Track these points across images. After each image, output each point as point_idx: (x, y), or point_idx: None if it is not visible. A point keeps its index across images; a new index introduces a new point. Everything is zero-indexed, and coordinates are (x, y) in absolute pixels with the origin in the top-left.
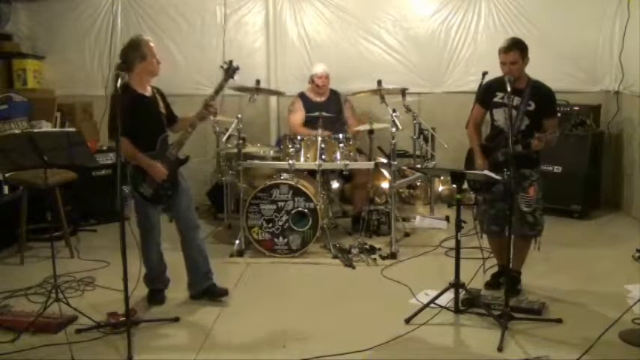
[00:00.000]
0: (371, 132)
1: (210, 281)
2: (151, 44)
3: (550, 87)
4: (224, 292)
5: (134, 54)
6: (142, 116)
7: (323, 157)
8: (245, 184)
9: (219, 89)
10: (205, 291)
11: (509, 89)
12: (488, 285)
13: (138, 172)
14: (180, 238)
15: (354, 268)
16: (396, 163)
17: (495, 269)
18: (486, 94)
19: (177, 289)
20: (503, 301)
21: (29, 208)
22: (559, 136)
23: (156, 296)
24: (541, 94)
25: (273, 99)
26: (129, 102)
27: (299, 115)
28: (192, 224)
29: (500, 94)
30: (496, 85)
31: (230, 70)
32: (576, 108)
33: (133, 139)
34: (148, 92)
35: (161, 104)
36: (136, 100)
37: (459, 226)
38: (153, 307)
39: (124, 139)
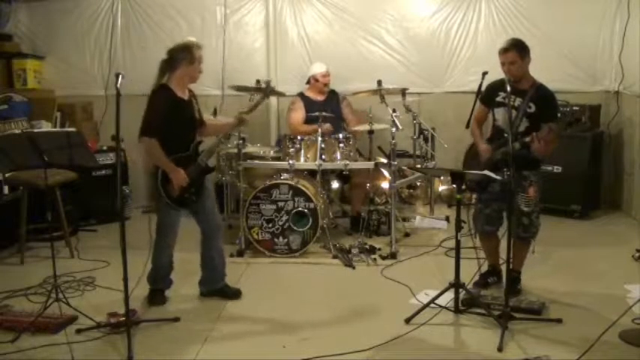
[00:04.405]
0: (371, 132)
1: (223, 282)
2: (201, 52)
3: (553, 91)
4: (237, 293)
5: (183, 55)
6: (178, 120)
7: (323, 157)
8: (245, 184)
9: (254, 107)
10: (218, 291)
11: (508, 89)
12: (477, 284)
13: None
14: (202, 238)
15: (354, 268)
16: (396, 163)
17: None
18: (489, 93)
19: (178, 290)
20: (503, 301)
21: (29, 208)
22: (557, 135)
23: (157, 297)
24: (543, 97)
25: (273, 99)
26: (168, 103)
27: (300, 114)
28: (215, 226)
29: (502, 94)
30: (499, 84)
31: (267, 90)
32: (576, 108)
33: (165, 141)
34: (186, 96)
35: (196, 108)
36: (175, 103)
37: (458, 226)
38: (153, 307)
39: (153, 141)
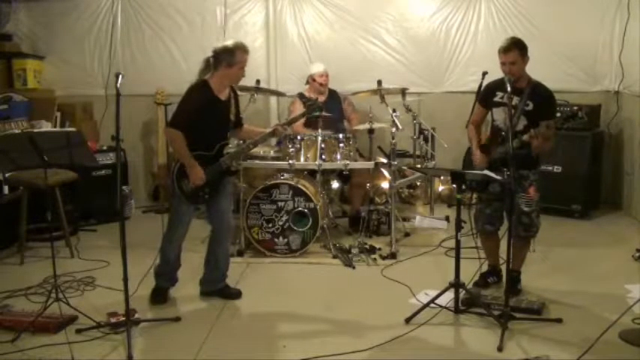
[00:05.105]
0: (371, 132)
1: (224, 282)
2: (247, 57)
3: (550, 89)
4: (238, 294)
5: (224, 56)
6: (210, 119)
7: (323, 157)
8: (245, 184)
9: (293, 121)
10: (219, 291)
11: (509, 89)
12: (477, 284)
13: (184, 167)
14: (211, 236)
15: (354, 268)
16: (396, 163)
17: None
18: (487, 94)
19: (179, 289)
20: (503, 301)
21: (29, 208)
22: (555, 133)
23: (159, 296)
24: (540, 95)
25: (273, 99)
26: (203, 101)
27: None
28: (227, 226)
29: (500, 94)
30: (496, 85)
31: (310, 108)
32: (576, 108)
33: (191, 136)
34: (224, 95)
35: (232, 110)
36: (210, 102)
37: (458, 226)
38: (155, 306)
39: (179, 133)
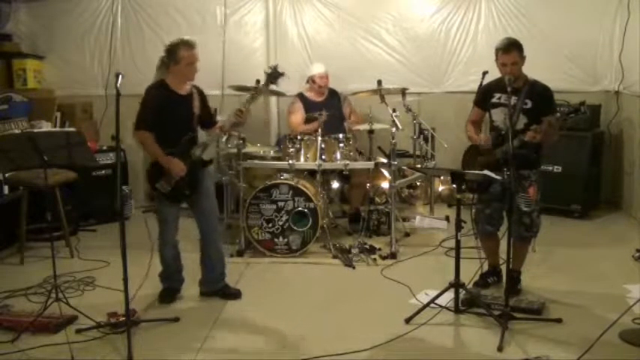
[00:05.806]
0: (371, 132)
1: (223, 282)
2: (192, 52)
3: (547, 85)
4: (237, 294)
5: (169, 54)
6: (171, 114)
7: (323, 157)
8: (245, 184)
9: (256, 95)
10: (218, 291)
11: (509, 89)
12: (477, 284)
13: (156, 168)
14: (200, 237)
15: (354, 268)
16: (396, 163)
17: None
18: (484, 96)
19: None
20: (503, 301)
21: (29, 208)
22: (558, 127)
23: (165, 295)
24: (537, 92)
25: (273, 99)
26: (161, 98)
27: (299, 115)
28: (214, 226)
29: (497, 95)
30: (494, 86)
31: (271, 76)
32: (579, 102)
33: (158, 135)
34: (185, 91)
35: (196, 104)
36: (168, 98)
37: (459, 226)
38: (162, 305)
39: (148, 134)
